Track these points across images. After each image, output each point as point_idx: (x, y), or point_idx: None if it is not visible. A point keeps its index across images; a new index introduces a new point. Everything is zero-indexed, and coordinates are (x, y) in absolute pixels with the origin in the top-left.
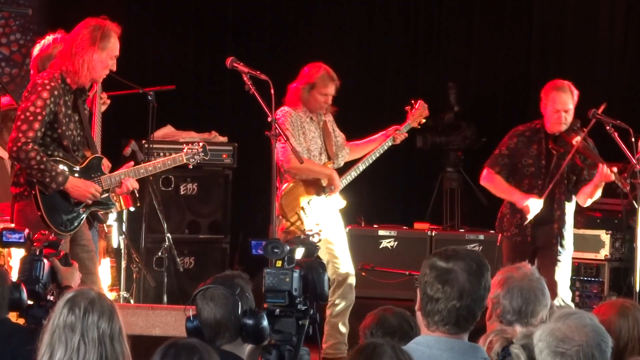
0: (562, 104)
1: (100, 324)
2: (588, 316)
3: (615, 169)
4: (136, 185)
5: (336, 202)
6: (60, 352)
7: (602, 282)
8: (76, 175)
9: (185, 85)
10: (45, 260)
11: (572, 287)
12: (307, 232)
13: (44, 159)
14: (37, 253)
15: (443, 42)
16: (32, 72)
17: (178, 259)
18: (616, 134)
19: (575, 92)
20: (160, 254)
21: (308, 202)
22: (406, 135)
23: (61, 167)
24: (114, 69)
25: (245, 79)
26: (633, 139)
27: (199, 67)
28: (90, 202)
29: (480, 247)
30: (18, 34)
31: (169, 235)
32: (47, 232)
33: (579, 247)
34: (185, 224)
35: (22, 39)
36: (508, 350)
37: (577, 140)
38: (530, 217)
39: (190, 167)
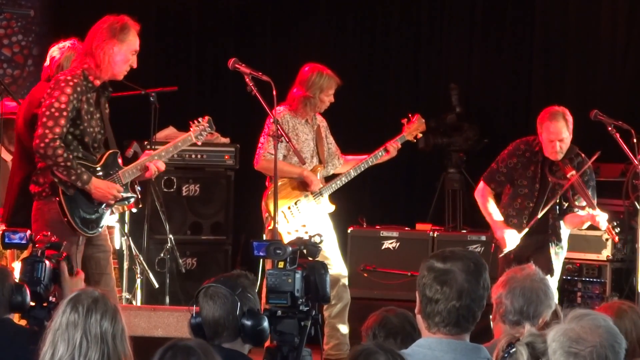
0: (555, 134)
1: (102, 322)
2: (602, 317)
3: (609, 226)
4: (163, 167)
5: (325, 206)
6: (62, 349)
7: (604, 283)
8: (98, 174)
9: (187, 87)
10: (47, 262)
11: (575, 287)
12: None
13: (70, 157)
14: (39, 254)
15: (445, 43)
16: (51, 73)
17: (180, 260)
18: (618, 135)
19: (570, 119)
20: (162, 255)
21: (295, 203)
22: (399, 145)
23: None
24: (135, 65)
25: (247, 80)
26: (635, 140)
27: (201, 69)
28: (112, 202)
29: (482, 248)
30: (20, 35)
31: (171, 236)
32: (49, 233)
33: (581, 248)
34: (187, 225)
35: (24, 40)
36: (513, 347)
37: (572, 174)
38: (505, 250)
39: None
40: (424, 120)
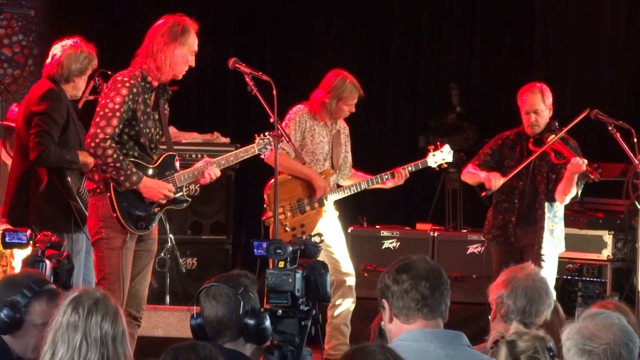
0: (529, 105)
1: (103, 324)
2: (616, 316)
3: (585, 160)
4: (218, 174)
5: (329, 211)
6: (62, 350)
7: (604, 283)
8: (150, 173)
9: (188, 87)
10: (47, 261)
11: (575, 287)
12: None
13: (121, 157)
14: (39, 254)
15: (445, 43)
16: (51, 71)
17: (180, 260)
18: (618, 135)
19: (548, 93)
20: (162, 254)
21: (297, 201)
22: (407, 174)
23: (135, 168)
24: (194, 64)
25: (247, 79)
26: (635, 139)
27: (201, 68)
28: (163, 202)
29: (483, 248)
30: (20, 35)
31: (171, 236)
32: (49, 232)
33: (581, 248)
34: (187, 224)
35: (25, 40)
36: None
37: (551, 138)
38: (493, 188)
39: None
40: (452, 152)
